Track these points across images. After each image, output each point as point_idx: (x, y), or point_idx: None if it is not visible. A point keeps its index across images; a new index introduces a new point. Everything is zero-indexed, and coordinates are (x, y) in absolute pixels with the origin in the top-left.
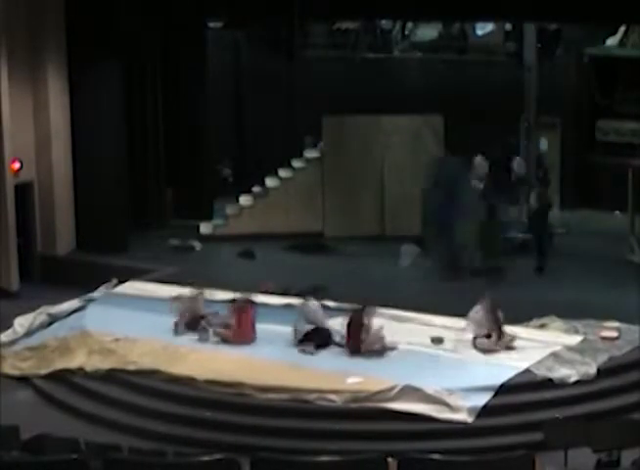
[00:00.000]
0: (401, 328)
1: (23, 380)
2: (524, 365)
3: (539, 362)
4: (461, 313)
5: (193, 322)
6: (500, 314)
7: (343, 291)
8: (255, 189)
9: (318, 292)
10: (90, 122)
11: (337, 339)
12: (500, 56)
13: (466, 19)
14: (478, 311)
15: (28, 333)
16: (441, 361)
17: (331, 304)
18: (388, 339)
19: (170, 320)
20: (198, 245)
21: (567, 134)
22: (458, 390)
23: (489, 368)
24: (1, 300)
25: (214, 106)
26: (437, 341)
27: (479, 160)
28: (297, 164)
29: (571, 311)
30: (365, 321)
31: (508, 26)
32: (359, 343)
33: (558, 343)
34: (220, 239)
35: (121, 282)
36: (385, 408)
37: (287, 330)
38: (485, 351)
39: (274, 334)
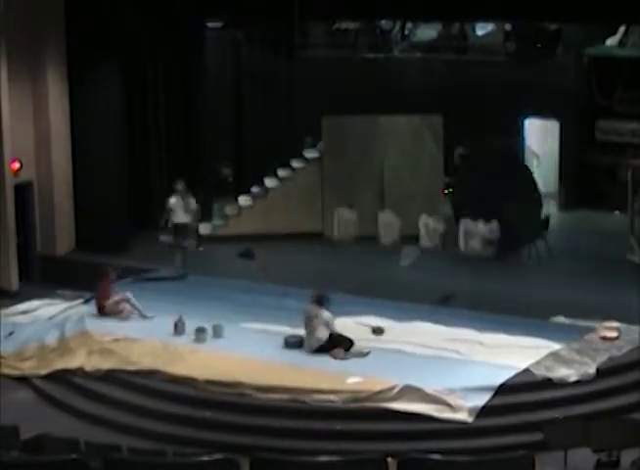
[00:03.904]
0: (401, 328)
1: (23, 380)
2: (523, 365)
3: (539, 362)
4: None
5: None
6: None
7: (344, 291)
8: (255, 189)
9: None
10: (90, 122)
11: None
12: (500, 56)
13: (466, 19)
14: None
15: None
16: (441, 361)
17: None
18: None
19: (170, 320)
20: (192, 244)
21: (567, 134)
22: (458, 389)
23: (489, 368)
24: (1, 300)
25: (214, 106)
26: (378, 331)
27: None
28: (296, 164)
29: (571, 311)
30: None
31: (508, 26)
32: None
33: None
34: (220, 239)
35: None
36: (385, 408)
37: (284, 330)
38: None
39: (273, 334)
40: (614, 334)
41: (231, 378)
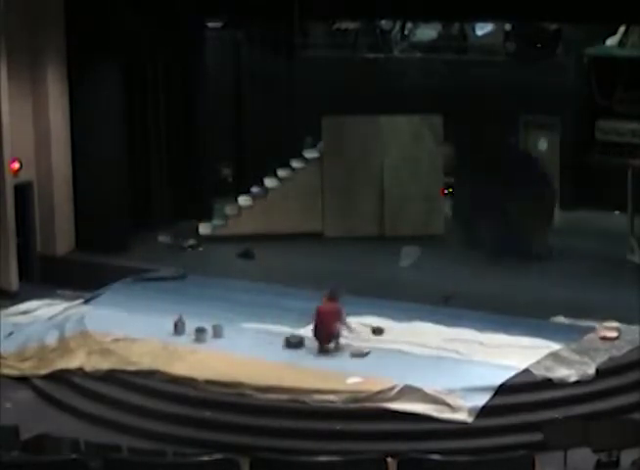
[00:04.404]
0: (401, 328)
1: (23, 380)
2: (523, 365)
3: (538, 363)
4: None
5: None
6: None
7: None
8: (255, 189)
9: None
10: (90, 122)
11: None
12: (500, 56)
13: (466, 19)
14: None
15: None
16: (441, 361)
17: None
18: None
19: (170, 321)
20: (191, 242)
21: (567, 134)
22: (458, 390)
23: (489, 368)
24: (1, 300)
25: (214, 106)
26: (378, 331)
27: None
28: (296, 164)
29: (571, 311)
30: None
31: (508, 26)
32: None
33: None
34: (220, 239)
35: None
36: (385, 408)
37: (284, 330)
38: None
39: (273, 334)
40: (614, 334)
41: (231, 378)
